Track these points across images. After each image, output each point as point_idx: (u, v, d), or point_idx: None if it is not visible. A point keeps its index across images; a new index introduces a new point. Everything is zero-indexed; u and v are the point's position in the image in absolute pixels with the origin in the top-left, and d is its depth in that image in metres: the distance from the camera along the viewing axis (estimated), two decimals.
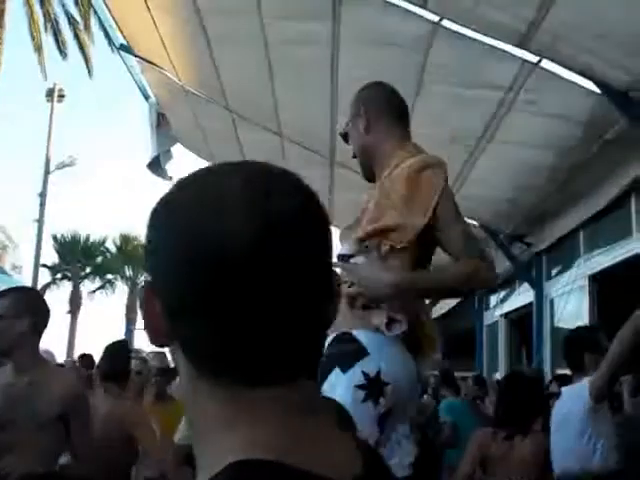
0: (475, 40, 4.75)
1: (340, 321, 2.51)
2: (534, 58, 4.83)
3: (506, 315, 10.78)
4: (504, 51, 4.81)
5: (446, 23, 4.75)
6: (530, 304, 9.13)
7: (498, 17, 4.52)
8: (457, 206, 2.54)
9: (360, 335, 2.46)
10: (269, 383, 0.77)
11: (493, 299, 11.53)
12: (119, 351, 4.95)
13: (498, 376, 10.43)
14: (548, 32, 4.45)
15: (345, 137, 2.95)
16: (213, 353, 0.77)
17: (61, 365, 4.88)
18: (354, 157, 2.93)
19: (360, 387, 2.38)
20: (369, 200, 2.74)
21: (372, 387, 2.39)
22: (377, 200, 2.64)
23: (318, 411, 0.82)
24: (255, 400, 0.77)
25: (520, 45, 4.68)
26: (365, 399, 2.38)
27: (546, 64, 4.87)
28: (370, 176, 2.85)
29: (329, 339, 2.49)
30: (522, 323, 9.98)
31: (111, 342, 5.10)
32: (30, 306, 3.49)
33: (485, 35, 4.71)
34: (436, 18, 4.75)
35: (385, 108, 2.84)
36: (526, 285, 9.30)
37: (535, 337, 8.83)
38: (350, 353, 2.44)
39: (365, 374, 2.39)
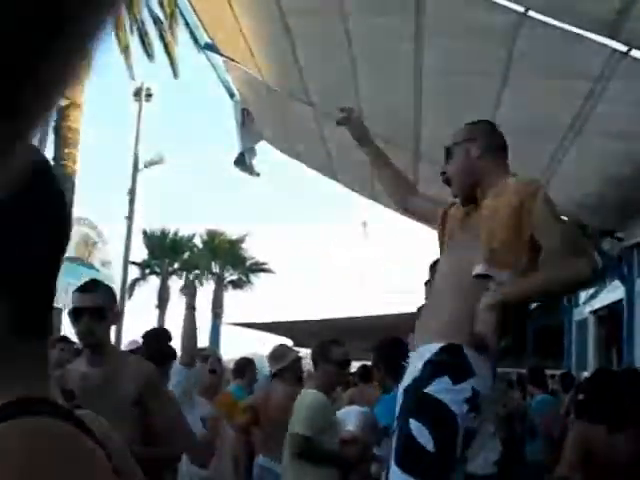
0: (562, 30, 4.64)
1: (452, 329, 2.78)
2: (623, 47, 4.70)
3: (596, 312, 10.53)
4: (592, 40, 4.69)
5: (532, 14, 4.66)
6: (620, 300, 8.89)
7: (585, 6, 4.41)
8: (554, 210, 2.83)
9: (469, 352, 2.74)
10: None
11: (583, 295, 11.27)
12: (162, 335, 5.14)
13: (587, 374, 10.22)
14: (637, 20, 4.32)
15: (448, 152, 3.24)
16: None
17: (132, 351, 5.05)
18: (443, 174, 3.28)
19: (467, 401, 2.70)
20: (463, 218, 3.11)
21: (475, 402, 2.71)
22: (482, 222, 2.91)
23: None
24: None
25: (609, 34, 4.56)
26: (469, 411, 2.70)
27: (635, 53, 4.73)
28: (467, 197, 3.14)
29: (437, 346, 2.79)
30: (612, 320, 9.73)
31: (152, 328, 5.28)
32: (115, 297, 3.63)
33: (572, 25, 4.60)
34: (522, 9, 4.66)
35: (496, 143, 3.19)
36: (616, 281, 9.06)
37: (626, 335, 8.60)
38: (462, 368, 2.73)
39: (474, 390, 2.71)
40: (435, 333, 2.83)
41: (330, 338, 5.31)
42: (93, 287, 3.57)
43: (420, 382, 2.74)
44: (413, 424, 2.69)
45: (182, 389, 4.70)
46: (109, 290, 3.68)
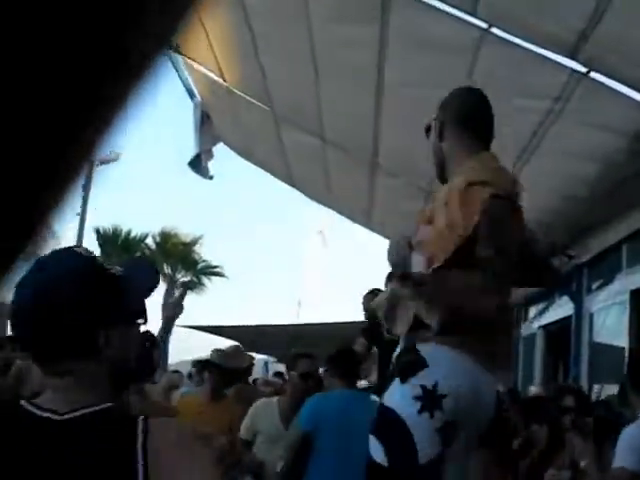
0: (524, 48, 4.70)
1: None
2: (583, 69, 4.77)
3: (544, 327, 10.66)
4: (553, 60, 4.75)
5: (495, 30, 4.71)
6: (569, 317, 9.01)
7: (548, 27, 4.48)
8: (500, 222, 2.51)
9: (422, 347, 2.52)
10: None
11: (532, 311, 11.41)
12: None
13: (533, 389, 10.33)
14: (598, 43, 4.40)
15: (427, 131, 3.00)
16: None
17: None
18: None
19: (417, 399, 2.44)
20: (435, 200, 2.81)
21: (428, 399, 2.43)
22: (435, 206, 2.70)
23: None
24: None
25: (569, 55, 4.63)
26: (421, 411, 2.43)
27: (595, 75, 4.81)
28: (441, 179, 2.90)
29: (399, 348, 2.65)
30: (560, 336, 9.85)
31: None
32: None
33: (534, 44, 4.66)
34: (485, 25, 4.71)
35: (460, 117, 2.86)
36: (566, 298, 9.18)
37: (573, 351, 8.72)
38: (410, 364, 2.51)
39: (422, 386, 2.44)
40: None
41: (299, 347, 5.40)
42: None
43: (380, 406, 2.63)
44: (371, 441, 2.54)
45: None
46: None
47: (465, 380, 2.48)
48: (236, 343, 7.45)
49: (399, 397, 2.51)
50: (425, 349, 2.52)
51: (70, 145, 0.50)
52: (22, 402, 1.56)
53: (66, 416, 1.54)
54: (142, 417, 1.58)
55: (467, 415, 2.48)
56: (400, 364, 2.56)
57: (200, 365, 6.37)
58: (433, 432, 2.43)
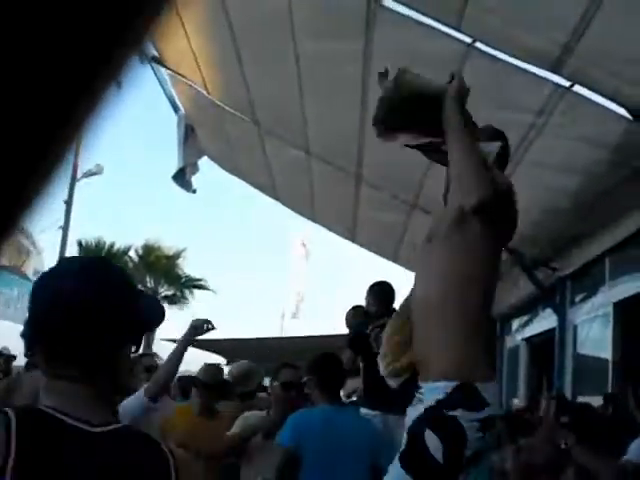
0: (508, 63, 4.74)
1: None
2: (566, 82, 4.81)
3: (528, 340, 10.70)
4: (536, 75, 4.79)
5: (479, 45, 4.75)
6: (553, 329, 9.05)
7: (531, 41, 4.52)
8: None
9: (480, 387, 2.78)
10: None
11: (515, 323, 11.45)
12: None
13: (517, 402, 10.35)
14: (581, 57, 4.44)
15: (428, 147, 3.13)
16: None
17: None
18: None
19: (478, 420, 2.77)
20: None
21: (486, 423, 2.79)
22: None
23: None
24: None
25: (553, 69, 4.67)
26: (478, 430, 2.77)
27: (578, 89, 4.85)
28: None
29: (450, 385, 2.81)
30: (544, 348, 9.89)
31: None
32: None
33: (518, 58, 4.70)
34: (469, 40, 4.74)
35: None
36: (549, 310, 9.22)
37: (557, 363, 8.75)
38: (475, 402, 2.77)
39: (487, 416, 2.76)
40: (439, 371, 2.86)
41: (284, 359, 5.35)
42: None
43: (437, 407, 2.81)
44: (428, 434, 2.76)
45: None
46: None
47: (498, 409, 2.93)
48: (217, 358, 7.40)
49: (464, 414, 2.75)
50: (482, 387, 2.78)
51: (46, 143, 0.50)
52: (42, 408, 1.57)
53: (99, 429, 1.57)
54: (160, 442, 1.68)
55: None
56: (464, 401, 2.77)
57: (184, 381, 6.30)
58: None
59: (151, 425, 4.76)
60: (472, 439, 2.75)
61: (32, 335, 1.68)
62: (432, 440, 2.74)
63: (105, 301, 1.62)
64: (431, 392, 2.83)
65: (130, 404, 4.15)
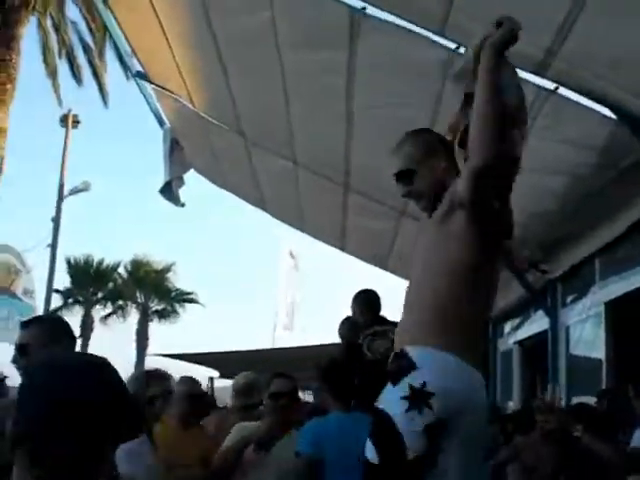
0: None
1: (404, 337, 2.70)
2: (551, 85, 4.83)
3: (520, 343, 10.71)
4: (521, 78, 4.80)
5: (463, 50, 4.76)
6: (545, 331, 9.07)
7: (516, 44, 4.52)
8: None
9: (412, 351, 2.66)
10: None
11: (507, 326, 11.48)
12: None
13: (512, 405, 10.36)
14: (565, 59, 4.45)
15: (404, 175, 3.19)
16: None
17: None
18: (407, 195, 3.22)
19: (405, 398, 2.57)
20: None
21: (416, 398, 2.56)
22: None
23: None
24: None
25: (537, 72, 4.68)
26: (408, 409, 2.56)
27: (563, 91, 4.87)
28: (429, 205, 3.12)
29: (391, 356, 2.76)
30: (537, 351, 9.91)
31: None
32: (56, 335, 3.50)
33: None
34: (453, 45, 4.76)
35: (449, 146, 3.22)
36: (541, 312, 9.25)
37: (550, 365, 8.77)
38: (400, 367, 2.65)
39: (410, 386, 2.58)
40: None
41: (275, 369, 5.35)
42: (25, 324, 3.53)
43: None
44: (367, 443, 2.71)
45: None
46: (40, 327, 3.58)
47: (455, 381, 2.61)
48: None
49: (389, 398, 2.65)
50: (414, 352, 2.65)
51: None
52: None
53: None
54: None
55: (458, 415, 2.56)
56: (391, 367, 2.69)
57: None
58: (421, 429, 2.53)
59: None
60: (399, 421, 2.57)
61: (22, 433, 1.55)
62: (368, 446, 2.72)
63: (105, 406, 1.57)
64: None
65: None
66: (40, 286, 21.30)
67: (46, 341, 3.45)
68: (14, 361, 3.46)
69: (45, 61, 25.15)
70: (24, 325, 3.53)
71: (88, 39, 25.26)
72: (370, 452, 2.66)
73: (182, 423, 5.34)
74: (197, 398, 5.52)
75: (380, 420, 2.68)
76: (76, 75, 25.63)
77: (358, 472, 3.41)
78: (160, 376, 5.08)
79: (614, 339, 7.31)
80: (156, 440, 4.94)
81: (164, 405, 5.06)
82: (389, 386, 2.68)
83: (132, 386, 5.20)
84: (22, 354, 3.37)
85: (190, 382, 5.66)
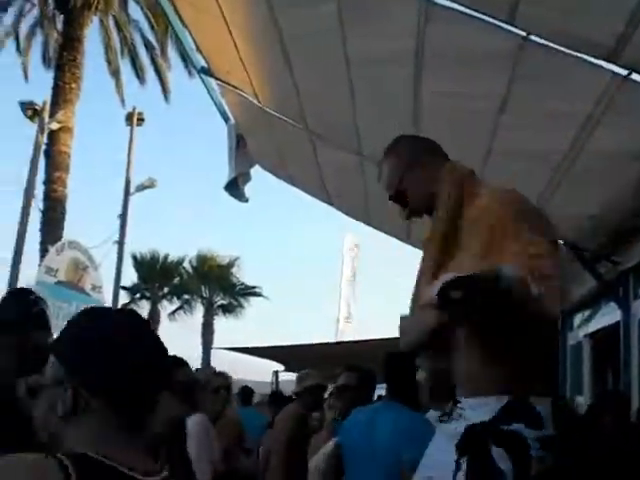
0: (563, 54, 4.66)
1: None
2: (623, 71, 4.72)
3: (591, 335, 10.51)
4: (593, 64, 4.71)
5: (534, 38, 4.68)
6: (617, 324, 8.88)
7: (587, 31, 4.44)
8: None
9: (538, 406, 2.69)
10: None
11: (577, 319, 11.27)
12: None
13: (582, 400, 10.18)
14: (638, 45, 4.34)
15: (396, 199, 3.22)
16: None
17: None
18: (410, 217, 3.26)
19: (537, 440, 2.66)
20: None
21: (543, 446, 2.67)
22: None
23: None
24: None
25: (609, 59, 4.58)
26: (538, 449, 2.65)
27: (636, 77, 4.75)
28: (428, 211, 3.14)
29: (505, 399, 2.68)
30: (608, 344, 9.70)
31: None
32: None
33: (573, 50, 4.62)
34: (524, 33, 4.68)
35: (431, 149, 3.24)
36: (612, 304, 9.05)
37: (622, 358, 8.59)
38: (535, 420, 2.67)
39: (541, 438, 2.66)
40: (488, 386, 2.72)
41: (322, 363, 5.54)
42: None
43: (493, 422, 2.66)
44: (494, 451, 2.61)
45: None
46: None
47: None
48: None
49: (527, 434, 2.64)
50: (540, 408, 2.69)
51: None
52: (92, 455, 1.56)
53: (151, 478, 1.62)
54: None
55: None
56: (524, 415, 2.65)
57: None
58: None
59: None
60: (535, 457, 2.60)
61: (95, 381, 1.65)
62: (500, 456, 2.60)
63: (157, 352, 1.73)
64: (479, 408, 2.70)
65: None
66: (108, 282, 21.72)
67: None
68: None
69: (108, 60, 25.61)
70: None
71: (150, 37, 25.64)
72: (503, 462, 2.59)
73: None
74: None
75: (522, 446, 2.62)
76: (139, 74, 26.04)
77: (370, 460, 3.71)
78: (222, 373, 5.35)
79: None
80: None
81: (227, 396, 5.30)
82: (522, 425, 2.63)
83: (201, 376, 5.40)
84: None
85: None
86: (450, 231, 2.95)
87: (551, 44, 4.64)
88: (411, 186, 3.11)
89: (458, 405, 2.78)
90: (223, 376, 5.42)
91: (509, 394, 2.64)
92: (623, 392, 7.90)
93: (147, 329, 1.77)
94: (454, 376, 2.86)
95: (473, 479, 2.61)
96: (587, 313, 10.70)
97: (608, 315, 9.47)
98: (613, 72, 4.76)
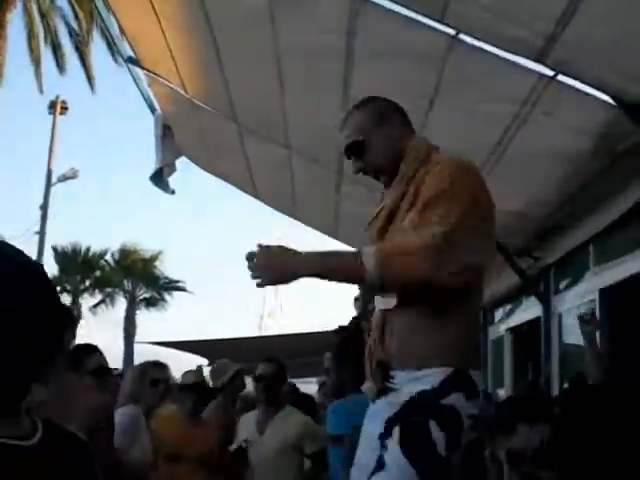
0: (492, 54, 4.73)
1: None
2: (550, 72, 4.81)
3: (512, 330, 10.72)
4: (521, 65, 4.79)
5: (463, 37, 4.73)
6: (538, 319, 9.08)
7: (515, 31, 4.51)
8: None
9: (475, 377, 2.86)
10: None
11: (498, 313, 11.48)
12: None
13: (503, 392, 10.39)
14: (565, 46, 4.44)
15: (354, 148, 3.12)
16: None
17: None
18: (361, 171, 3.19)
19: (470, 417, 2.81)
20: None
21: (475, 422, 2.92)
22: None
23: None
24: None
25: (537, 59, 4.66)
26: (470, 428, 2.89)
27: (562, 78, 4.85)
28: (393, 176, 3.07)
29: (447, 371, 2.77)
30: (529, 338, 9.91)
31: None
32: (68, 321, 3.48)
33: (502, 49, 4.69)
34: (453, 32, 4.73)
35: (399, 112, 3.21)
36: (533, 299, 9.25)
37: (543, 352, 8.78)
38: (472, 389, 2.83)
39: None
40: (427, 357, 2.79)
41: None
42: None
43: (433, 394, 2.73)
44: (432, 424, 2.68)
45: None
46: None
47: None
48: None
49: (463, 407, 2.77)
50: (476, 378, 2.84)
51: None
52: None
53: (29, 442, 1.50)
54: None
55: None
56: (464, 385, 2.77)
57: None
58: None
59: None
60: (466, 429, 2.74)
61: None
62: (436, 432, 2.67)
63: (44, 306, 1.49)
64: (419, 379, 2.75)
65: None
66: None
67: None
68: None
69: (30, 47, 24.95)
70: None
71: (74, 25, 25.08)
72: (440, 443, 2.67)
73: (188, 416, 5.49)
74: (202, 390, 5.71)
75: (455, 419, 2.72)
76: (59, 62, 25.43)
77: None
78: (161, 364, 5.21)
79: (608, 326, 7.30)
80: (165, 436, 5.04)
81: (166, 390, 5.19)
82: (461, 396, 2.75)
83: (135, 371, 5.27)
84: None
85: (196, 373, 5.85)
86: (400, 206, 2.96)
87: (480, 44, 4.70)
88: (375, 140, 3.06)
89: (392, 379, 2.85)
90: (161, 367, 5.29)
91: (449, 366, 2.73)
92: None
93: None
94: (388, 351, 2.90)
95: (405, 444, 2.67)
96: (509, 307, 10.91)
97: (529, 310, 9.68)
98: (540, 73, 4.85)
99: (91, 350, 4.32)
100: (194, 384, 5.60)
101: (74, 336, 3.54)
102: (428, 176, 2.89)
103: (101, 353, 4.46)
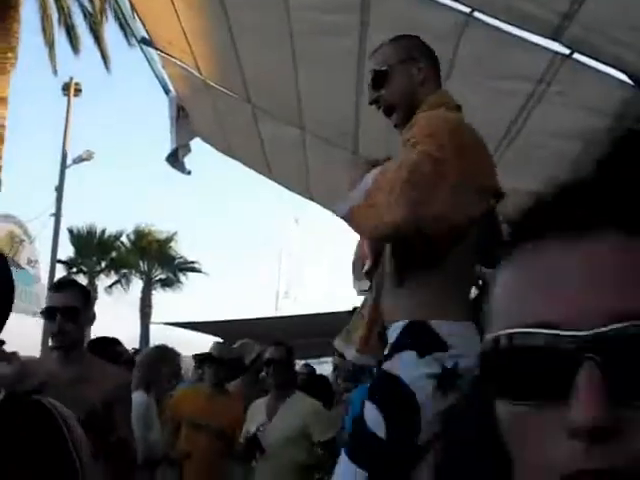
0: (507, 32, 4.69)
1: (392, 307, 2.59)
2: (566, 50, 4.77)
3: None
4: (536, 43, 4.74)
5: (478, 15, 4.69)
6: None
7: (531, 9, 4.46)
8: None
9: (439, 327, 2.45)
10: None
11: None
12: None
13: None
14: (581, 24, 4.39)
15: (376, 79, 3.03)
16: None
17: None
18: (375, 102, 3.09)
19: (434, 376, 2.35)
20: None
21: (446, 379, 2.33)
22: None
23: None
24: None
25: (552, 37, 4.62)
26: (437, 389, 2.34)
27: (578, 56, 4.80)
28: (407, 122, 2.96)
29: (397, 329, 2.54)
30: None
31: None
32: (90, 299, 3.50)
33: (517, 27, 4.65)
34: (468, 10, 4.69)
35: (434, 61, 3.12)
36: None
37: None
38: (429, 342, 2.42)
39: (442, 365, 2.36)
40: (391, 314, 2.64)
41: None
42: (67, 286, 3.46)
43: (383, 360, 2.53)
44: (367, 406, 2.42)
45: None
46: (83, 291, 3.55)
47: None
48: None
49: (413, 370, 2.37)
50: (442, 327, 2.45)
51: None
52: None
53: None
54: None
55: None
56: (416, 340, 2.44)
57: (198, 359, 6.41)
58: (437, 412, 2.21)
59: None
60: (428, 402, 2.32)
61: None
62: (371, 412, 2.41)
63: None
64: (390, 335, 2.60)
65: None
66: (44, 256, 21.34)
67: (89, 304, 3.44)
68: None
69: (43, 29, 24.96)
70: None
71: (88, 6, 25.05)
72: (376, 423, 2.34)
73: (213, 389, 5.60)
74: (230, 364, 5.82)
75: (397, 392, 2.36)
76: (73, 42, 25.42)
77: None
78: (173, 351, 5.31)
79: None
80: (186, 404, 5.14)
81: (177, 375, 5.27)
82: (413, 356, 2.40)
83: (147, 357, 5.34)
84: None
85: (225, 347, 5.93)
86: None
87: (495, 21, 4.66)
88: (396, 75, 2.98)
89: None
90: (173, 354, 5.40)
91: (405, 319, 2.52)
92: None
93: None
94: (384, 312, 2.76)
95: (349, 444, 2.50)
96: None
97: None
98: (555, 52, 4.80)
99: (112, 343, 4.40)
100: (229, 359, 5.74)
101: (94, 316, 3.55)
102: (416, 125, 2.82)
103: (121, 344, 4.55)
